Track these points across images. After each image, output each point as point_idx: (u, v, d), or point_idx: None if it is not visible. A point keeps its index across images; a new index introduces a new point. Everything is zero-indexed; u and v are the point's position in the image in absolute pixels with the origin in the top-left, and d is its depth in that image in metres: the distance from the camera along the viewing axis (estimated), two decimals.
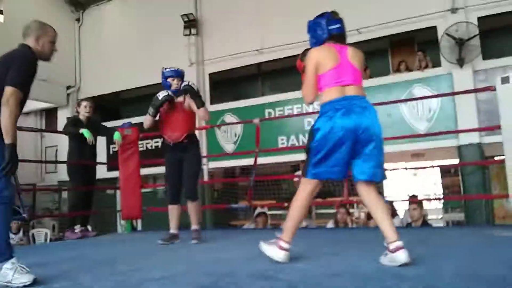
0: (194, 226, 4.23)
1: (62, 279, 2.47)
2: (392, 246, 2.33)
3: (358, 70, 2.59)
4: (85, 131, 5.26)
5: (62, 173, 8.79)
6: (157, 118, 4.25)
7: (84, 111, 5.52)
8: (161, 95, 4.12)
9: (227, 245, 3.95)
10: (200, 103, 4.14)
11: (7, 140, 2.39)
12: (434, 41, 7.96)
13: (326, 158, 2.47)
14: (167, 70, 4.24)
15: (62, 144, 10.60)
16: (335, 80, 2.54)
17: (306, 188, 2.56)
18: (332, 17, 2.68)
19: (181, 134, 4.17)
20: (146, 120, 4.20)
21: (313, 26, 2.72)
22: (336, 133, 2.43)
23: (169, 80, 4.20)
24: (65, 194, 9.97)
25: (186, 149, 4.18)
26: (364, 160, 2.47)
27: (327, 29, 2.65)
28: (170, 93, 4.15)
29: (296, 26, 9.32)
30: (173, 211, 4.31)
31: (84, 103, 5.58)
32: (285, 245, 2.55)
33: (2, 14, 10.67)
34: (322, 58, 2.58)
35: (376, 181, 2.53)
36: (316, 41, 2.70)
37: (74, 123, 5.49)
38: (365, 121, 2.45)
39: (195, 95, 4.11)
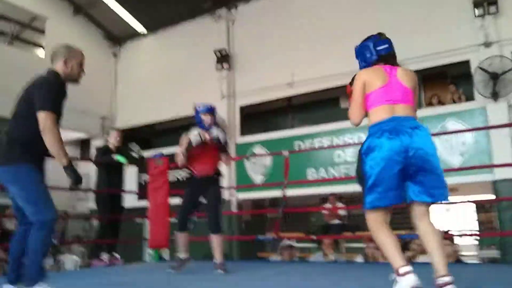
0: (218, 260, 4.20)
1: None
2: (440, 281, 2.18)
3: (409, 89, 2.47)
4: (119, 157, 5.45)
5: (93, 201, 8.97)
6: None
7: (115, 141, 5.71)
8: (194, 140, 4.22)
9: (252, 279, 3.90)
10: (225, 152, 4.40)
11: (63, 162, 2.49)
12: (467, 75, 7.87)
13: (378, 183, 2.32)
14: (200, 107, 4.37)
15: (93, 173, 10.86)
16: (384, 98, 2.43)
17: (370, 219, 2.41)
18: (379, 38, 2.63)
19: (211, 169, 4.33)
20: (179, 160, 4.29)
21: (360, 50, 2.66)
22: (384, 155, 2.31)
23: (201, 115, 4.31)
24: (95, 222, 10.12)
25: (211, 182, 4.32)
26: (421, 181, 2.32)
27: (375, 50, 2.58)
28: (201, 136, 4.23)
29: (326, 59, 9.55)
30: (182, 238, 4.38)
31: (112, 133, 5.81)
32: (403, 270, 2.20)
33: (43, 49, 11.19)
34: (370, 78, 2.49)
35: (438, 201, 2.36)
36: (366, 65, 2.62)
37: (104, 152, 5.68)
38: (416, 142, 2.31)
39: (222, 147, 4.32)
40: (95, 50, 11.64)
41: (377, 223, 2.38)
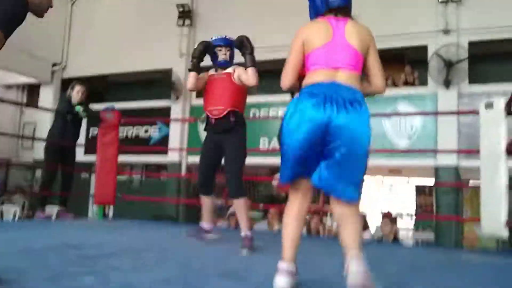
0: (243, 232, 3.34)
1: (27, 259, 2.43)
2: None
3: (358, 52, 2.04)
4: (78, 108, 5.26)
5: (39, 151, 8.66)
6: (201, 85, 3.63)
7: (77, 96, 5.46)
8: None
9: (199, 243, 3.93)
10: (251, 62, 3.46)
11: None
12: (424, 60, 8.05)
13: (290, 157, 2.01)
14: (215, 38, 3.65)
15: (41, 121, 10.44)
16: (323, 61, 2.04)
17: (290, 195, 2.12)
18: None
19: (224, 108, 3.45)
20: (189, 78, 3.54)
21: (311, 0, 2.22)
22: (302, 125, 1.94)
23: (216, 50, 3.58)
24: (39, 173, 9.82)
25: (229, 130, 3.46)
26: (330, 166, 1.95)
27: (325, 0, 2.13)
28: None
29: (290, 28, 9.45)
30: (203, 202, 3.70)
31: (77, 88, 5.51)
32: (281, 266, 1.96)
33: None
34: (310, 34, 2.10)
35: (337, 197, 1.99)
36: (315, 15, 2.20)
37: (66, 101, 5.47)
38: (345, 120, 1.91)
39: (248, 50, 3.47)
40: None
41: (291, 203, 2.09)
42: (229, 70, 3.58)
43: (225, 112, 3.44)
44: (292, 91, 2.46)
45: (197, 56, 3.46)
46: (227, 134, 3.46)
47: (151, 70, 10.28)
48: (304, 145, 1.94)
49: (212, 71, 3.68)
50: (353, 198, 1.97)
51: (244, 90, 3.58)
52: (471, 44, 7.72)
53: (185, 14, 9.98)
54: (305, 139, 1.93)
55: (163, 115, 9.78)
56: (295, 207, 2.06)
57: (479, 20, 7.63)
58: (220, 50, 3.57)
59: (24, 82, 11.56)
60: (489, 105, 4.26)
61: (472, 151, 4.84)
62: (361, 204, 2.04)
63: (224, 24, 9.70)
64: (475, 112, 4.49)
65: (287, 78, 2.15)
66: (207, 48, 3.53)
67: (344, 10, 2.13)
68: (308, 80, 2.05)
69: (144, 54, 10.23)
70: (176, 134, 9.72)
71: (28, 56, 10.03)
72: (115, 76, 11.38)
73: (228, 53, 3.59)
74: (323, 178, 1.95)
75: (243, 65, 3.51)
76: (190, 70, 3.49)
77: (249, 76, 3.43)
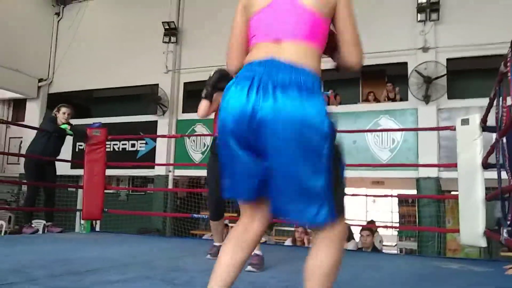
0: (255, 251, 3.06)
1: (15, 273, 2.48)
2: None
3: (315, 14, 1.43)
4: (65, 126, 5.34)
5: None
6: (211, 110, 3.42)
7: (62, 117, 5.54)
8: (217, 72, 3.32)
9: (186, 255, 4.01)
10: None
11: None
12: (404, 76, 8.30)
13: (224, 164, 1.48)
14: None
15: (27, 136, 10.42)
16: (262, 30, 1.49)
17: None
18: None
19: None
20: (201, 106, 3.36)
21: None
22: (226, 122, 1.40)
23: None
24: (25, 188, 9.80)
25: None
26: (271, 178, 1.36)
27: None
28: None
29: None
30: (214, 227, 3.56)
31: (63, 110, 5.60)
32: None
33: None
34: None
35: (294, 222, 1.51)
36: None
37: (52, 120, 5.56)
38: (271, 109, 1.31)
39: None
40: (36, 7, 11.07)
41: (237, 223, 1.55)
42: None
43: None
44: None
45: (212, 85, 3.31)
46: None
47: (138, 85, 10.38)
48: (233, 148, 1.39)
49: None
50: (320, 220, 1.33)
51: None
52: (449, 61, 7.99)
53: (171, 31, 10.14)
54: (232, 139, 1.39)
55: (150, 129, 9.87)
56: (237, 229, 1.53)
57: (456, 38, 7.91)
58: None
59: (10, 97, 11.57)
60: (464, 121, 4.43)
61: (451, 165, 5.01)
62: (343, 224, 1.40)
63: (209, 41, 9.88)
64: (452, 128, 4.66)
65: (229, 62, 1.65)
66: (223, 77, 3.36)
67: None
68: (246, 59, 1.51)
69: (130, 70, 10.35)
70: (163, 147, 9.81)
71: (15, 72, 10.07)
72: (101, 91, 11.47)
73: None
74: (275, 204, 1.39)
75: None
76: (203, 98, 3.36)
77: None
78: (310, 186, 1.31)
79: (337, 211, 1.35)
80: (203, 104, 3.36)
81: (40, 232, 5.48)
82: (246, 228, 1.50)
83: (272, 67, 1.37)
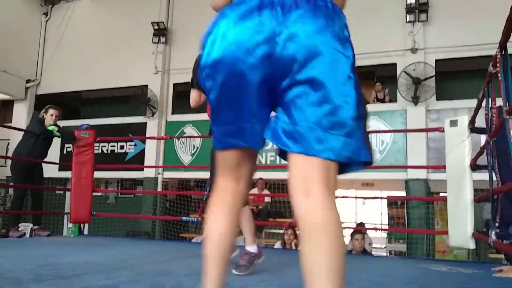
0: (247, 246, 2.85)
1: (0, 278, 2.45)
2: None
3: None
4: (52, 128, 5.29)
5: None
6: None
7: (50, 119, 5.49)
8: None
9: (175, 259, 3.99)
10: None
11: None
12: (393, 77, 8.33)
13: (216, 109, 1.24)
14: None
15: (14, 138, 10.29)
16: None
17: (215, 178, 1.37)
18: None
19: None
20: (191, 97, 3.10)
21: None
22: (223, 55, 1.14)
23: None
24: (12, 190, 9.69)
25: None
26: (294, 106, 1.10)
27: None
28: None
29: None
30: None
31: (51, 111, 5.54)
32: None
33: None
34: None
35: (321, 157, 1.08)
36: None
37: (39, 122, 5.50)
38: (301, 22, 1.08)
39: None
40: (24, 7, 10.95)
41: (213, 192, 1.34)
42: None
43: None
44: None
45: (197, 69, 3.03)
46: None
47: (126, 87, 10.31)
48: (234, 91, 1.16)
49: None
50: (360, 156, 1.11)
51: None
52: (438, 62, 8.04)
53: (160, 32, 10.09)
54: (234, 82, 1.14)
55: (139, 131, 9.81)
56: (217, 199, 1.32)
57: (445, 39, 7.96)
58: None
59: None
60: (453, 123, 4.46)
61: (440, 167, 5.03)
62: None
63: (198, 41, 9.80)
64: (441, 130, 4.68)
65: None
66: None
67: None
68: None
69: (119, 71, 10.28)
70: (152, 149, 9.75)
71: (2, 73, 9.95)
72: (90, 92, 11.38)
73: None
74: (278, 129, 1.13)
75: None
76: (192, 88, 3.09)
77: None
78: (347, 110, 1.11)
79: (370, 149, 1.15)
80: (193, 94, 3.13)
81: (27, 235, 5.40)
82: (229, 195, 1.30)
83: None
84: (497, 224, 3.44)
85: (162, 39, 10.14)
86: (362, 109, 1.16)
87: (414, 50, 8.16)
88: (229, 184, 1.31)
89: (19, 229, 5.35)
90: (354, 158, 1.11)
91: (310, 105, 1.09)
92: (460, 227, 4.17)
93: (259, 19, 1.10)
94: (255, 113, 1.17)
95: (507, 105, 2.46)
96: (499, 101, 2.80)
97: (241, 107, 1.17)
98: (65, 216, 8.84)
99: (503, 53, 2.63)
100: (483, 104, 3.66)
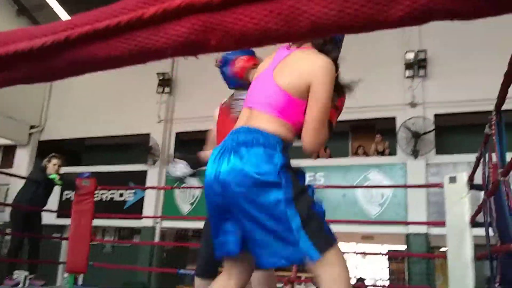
0: None
1: None
2: None
3: (285, 92, 1.50)
4: (54, 176, 5.33)
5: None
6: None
7: (52, 168, 5.55)
8: None
9: None
10: None
11: None
12: (393, 131, 8.41)
13: (211, 224, 1.61)
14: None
15: (14, 183, 10.29)
16: (247, 99, 1.64)
17: None
18: None
19: None
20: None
21: None
22: (205, 188, 1.55)
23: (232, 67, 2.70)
24: (8, 236, 9.58)
25: None
26: (246, 232, 1.46)
27: None
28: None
29: None
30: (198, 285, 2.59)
31: (54, 161, 5.62)
32: None
33: None
34: (260, 66, 1.74)
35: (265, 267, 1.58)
36: None
37: (41, 170, 5.55)
38: (225, 171, 1.43)
39: None
40: None
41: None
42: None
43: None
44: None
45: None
46: None
47: (129, 135, 10.41)
48: (211, 213, 1.56)
49: None
50: (309, 258, 1.38)
51: None
52: (437, 117, 8.15)
53: (165, 82, 10.29)
54: (208, 204, 1.55)
55: (139, 178, 9.80)
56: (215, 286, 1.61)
57: (444, 94, 8.11)
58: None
59: (0, 143, 11.51)
60: (452, 179, 4.46)
61: (439, 223, 5.01)
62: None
63: (203, 91, 10.03)
64: (440, 186, 4.68)
65: None
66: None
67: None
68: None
69: (123, 119, 10.41)
70: (152, 197, 9.70)
71: (6, 118, 10.08)
72: (93, 140, 11.48)
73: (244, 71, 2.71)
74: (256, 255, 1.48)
75: None
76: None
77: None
78: (280, 235, 1.38)
79: (320, 244, 1.37)
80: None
81: (21, 284, 5.29)
82: (223, 286, 1.57)
83: (237, 132, 1.50)
84: (497, 284, 3.38)
85: (167, 89, 10.32)
86: None
87: (413, 105, 8.27)
88: (221, 276, 1.61)
89: (14, 277, 5.26)
90: None
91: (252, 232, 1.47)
92: (461, 284, 4.10)
93: (216, 165, 1.51)
94: (226, 230, 1.54)
95: (502, 166, 2.48)
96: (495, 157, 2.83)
97: (217, 226, 1.58)
98: (60, 265, 8.70)
99: (498, 116, 2.68)
100: (481, 161, 3.68)
